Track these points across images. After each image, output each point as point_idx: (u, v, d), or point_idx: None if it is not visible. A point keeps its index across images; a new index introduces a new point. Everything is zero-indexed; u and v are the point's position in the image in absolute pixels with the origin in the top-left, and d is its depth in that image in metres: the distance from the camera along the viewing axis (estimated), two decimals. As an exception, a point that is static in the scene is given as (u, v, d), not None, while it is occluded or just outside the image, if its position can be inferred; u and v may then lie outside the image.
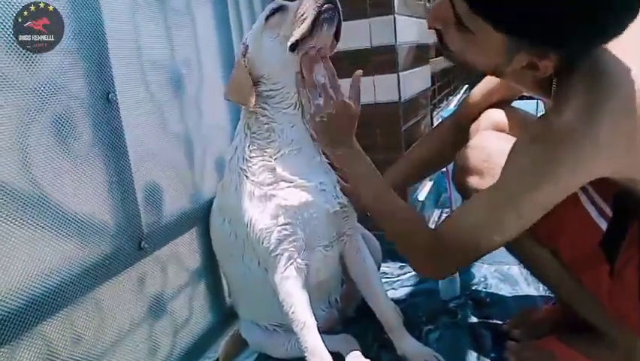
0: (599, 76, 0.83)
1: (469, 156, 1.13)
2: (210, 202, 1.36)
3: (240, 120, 1.22)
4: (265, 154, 1.15)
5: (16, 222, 0.83)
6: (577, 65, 0.85)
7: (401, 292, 1.64)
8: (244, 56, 1.14)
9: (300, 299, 1.13)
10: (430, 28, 0.94)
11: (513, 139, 1.00)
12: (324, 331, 1.36)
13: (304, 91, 1.12)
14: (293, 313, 1.13)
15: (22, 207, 0.84)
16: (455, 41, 0.90)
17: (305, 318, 1.12)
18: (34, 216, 0.86)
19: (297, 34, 1.06)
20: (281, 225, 1.12)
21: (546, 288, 1.29)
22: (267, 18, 1.11)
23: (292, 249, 1.13)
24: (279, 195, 1.12)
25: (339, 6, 1.07)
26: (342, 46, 1.87)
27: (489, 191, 0.95)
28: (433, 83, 2.76)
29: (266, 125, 1.15)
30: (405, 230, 1.09)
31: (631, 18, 0.75)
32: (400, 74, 1.89)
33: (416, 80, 2.22)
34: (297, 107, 1.15)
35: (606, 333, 1.07)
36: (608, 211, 0.99)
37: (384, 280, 1.71)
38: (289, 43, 1.07)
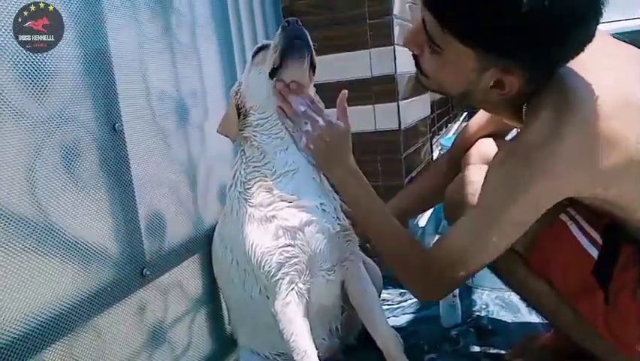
0: (564, 92, 0.87)
1: (458, 191, 1.16)
2: (212, 229, 1.37)
3: (237, 152, 1.26)
4: (261, 174, 1.17)
5: (20, 250, 0.84)
6: (541, 84, 0.89)
7: (402, 320, 1.63)
8: (237, 93, 1.21)
9: (302, 327, 1.12)
10: (405, 47, 1.00)
11: None
12: (326, 360, 1.35)
13: (287, 122, 1.17)
14: (294, 341, 1.11)
15: (27, 234, 0.85)
16: (429, 64, 0.95)
17: (306, 347, 1.11)
18: (37, 244, 0.87)
19: (269, 64, 1.14)
20: (281, 246, 1.11)
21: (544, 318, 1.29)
22: (253, 56, 1.20)
23: (293, 273, 1.12)
24: (278, 216, 1.13)
25: (309, 39, 1.14)
26: (343, 76, 1.93)
27: (470, 212, 0.99)
28: (432, 111, 2.80)
29: (259, 149, 1.19)
30: (401, 252, 1.10)
31: (589, 37, 0.81)
32: (399, 102, 1.92)
33: (416, 108, 2.25)
34: (285, 132, 1.19)
35: (603, 360, 1.06)
36: (598, 239, 1.00)
37: (384, 306, 1.70)
38: (267, 72, 1.15)
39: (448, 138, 3.22)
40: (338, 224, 1.19)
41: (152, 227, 1.17)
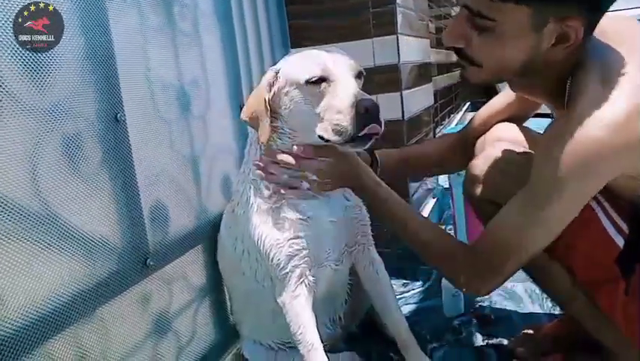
0: (609, 65, 0.87)
1: (484, 167, 1.13)
2: (216, 220, 1.37)
3: (250, 134, 1.21)
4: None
5: (24, 241, 0.84)
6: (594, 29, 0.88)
7: (405, 310, 1.64)
8: (271, 87, 1.08)
9: (310, 320, 1.12)
10: (449, 47, 0.98)
11: (529, 152, 1.05)
12: (328, 348, 1.36)
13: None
14: (301, 334, 1.12)
15: (30, 225, 0.85)
16: (482, 47, 0.91)
17: (313, 340, 1.11)
18: (41, 235, 0.87)
19: (327, 136, 1.02)
20: (291, 238, 1.11)
21: (553, 304, 1.28)
22: (308, 82, 1.03)
23: (303, 265, 1.12)
24: (285, 208, 1.12)
25: (379, 131, 1.01)
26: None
27: (524, 192, 0.94)
28: (435, 101, 2.79)
29: (275, 147, 1.13)
30: (445, 252, 1.08)
31: None
32: (403, 92, 1.91)
33: (419, 98, 2.24)
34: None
35: (615, 352, 1.05)
36: (625, 228, 0.98)
37: (388, 297, 1.71)
38: (317, 133, 1.04)
39: (451, 128, 3.21)
40: (346, 207, 1.18)
41: (156, 218, 1.17)
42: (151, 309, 1.15)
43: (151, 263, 1.13)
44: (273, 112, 1.09)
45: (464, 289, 1.13)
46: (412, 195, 2.04)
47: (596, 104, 0.84)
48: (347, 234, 1.20)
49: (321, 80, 1.02)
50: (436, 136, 2.98)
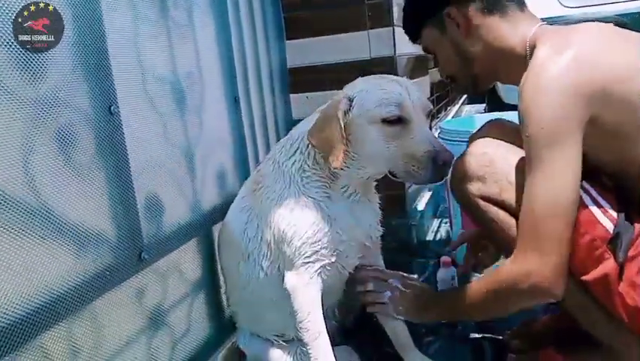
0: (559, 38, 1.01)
1: (469, 163, 1.14)
2: (210, 213, 1.36)
3: (302, 125, 1.20)
4: (323, 175, 1.15)
5: (17, 233, 0.83)
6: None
7: (400, 303, 1.64)
8: (346, 113, 1.07)
9: (319, 309, 1.14)
10: (443, 78, 1.26)
11: (512, 147, 1.06)
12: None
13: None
14: (309, 321, 1.12)
15: (24, 217, 0.84)
16: (442, 64, 1.22)
17: (321, 328, 1.12)
18: (35, 227, 0.86)
19: (399, 176, 1.09)
20: (324, 232, 1.12)
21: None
22: (385, 120, 1.05)
23: (326, 260, 1.14)
24: (326, 209, 1.13)
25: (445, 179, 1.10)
26: (341, 57, 1.91)
27: (527, 166, 0.98)
28: (431, 94, 2.78)
29: (334, 173, 1.14)
30: (498, 293, 1.06)
31: None
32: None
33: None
34: (368, 178, 1.17)
35: (609, 345, 1.05)
36: (613, 213, 0.99)
37: (383, 290, 1.71)
38: (389, 169, 1.10)
39: (447, 121, 3.21)
40: (375, 231, 1.24)
41: (150, 211, 1.16)
42: (146, 302, 1.15)
43: (145, 257, 1.13)
44: (344, 137, 1.07)
45: (540, 297, 1.02)
46: (408, 188, 2.04)
47: (548, 55, 0.97)
48: (366, 254, 1.26)
49: (398, 120, 1.04)
50: (432, 131, 2.98)
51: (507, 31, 1.09)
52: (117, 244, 1.06)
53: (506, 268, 1.03)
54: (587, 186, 1.00)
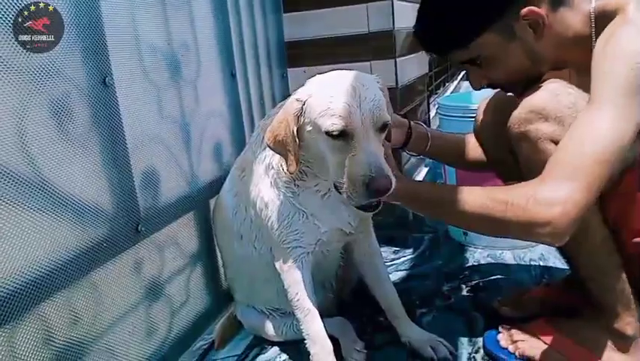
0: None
1: (546, 101, 1.01)
2: (207, 187, 1.37)
3: (267, 117, 1.18)
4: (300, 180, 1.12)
5: (14, 205, 0.84)
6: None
7: (395, 277, 1.66)
8: (298, 117, 1.01)
9: (306, 288, 1.16)
10: (479, 89, 1.14)
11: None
12: (320, 314, 1.39)
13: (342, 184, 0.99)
14: (298, 300, 1.15)
15: (20, 190, 0.85)
16: (496, 76, 1.09)
17: (309, 306, 1.15)
18: (31, 199, 0.87)
19: (342, 194, 0.99)
20: (300, 225, 1.13)
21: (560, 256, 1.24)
22: (329, 133, 0.96)
23: (305, 247, 1.15)
24: (298, 205, 1.12)
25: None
26: (339, 31, 1.88)
27: (587, 106, 0.92)
28: (430, 69, 2.76)
29: (301, 172, 1.10)
30: (498, 209, 0.94)
31: None
32: (397, 59, 1.89)
33: (414, 66, 2.22)
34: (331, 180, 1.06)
35: (617, 311, 1.05)
36: None
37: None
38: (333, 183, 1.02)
39: (446, 96, 3.19)
40: (350, 225, 1.17)
41: (147, 183, 1.16)
42: (144, 274, 1.16)
43: (142, 229, 1.14)
44: (300, 142, 1.03)
45: (547, 234, 0.91)
46: (405, 163, 2.04)
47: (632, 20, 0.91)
48: (350, 236, 1.22)
49: (343, 133, 0.95)
50: (430, 107, 2.97)
51: (573, 18, 1.00)
52: (114, 216, 1.06)
53: (526, 190, 0.92)
54: None
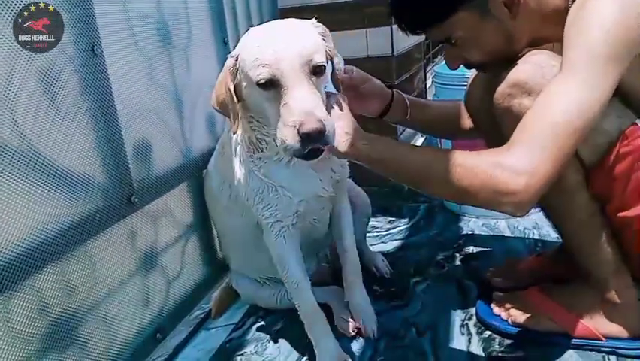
0: None
1: (528, 73, 0.99)
2: (201, 157, 1.36)
3: None
4: (252, 144, 1.09)
5: (5, 176, 0.83)
6: None
7: (390, 246, 1.68)
8: (233, 75, 0.99)
9: (294, 260, 1.16)
10: (455, 69, 1.11)
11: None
12: (315, 283, 1.40)
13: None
14: (286, 273, 1.16)
15: (10, 161, 0.84)
16: (472, 55, 1.06)
17: (298, 277, 1.16)
18: (22, 170, 0.86)
19: (280, 148, 0.94)
20: (273, 199, 1.11)
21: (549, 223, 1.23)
22: (259, 84, 0.92)
23: (285, 219, 1.14)
24: (265, 178, 1.10)
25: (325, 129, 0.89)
26: (333, -2, 1.84)
27: (559, 74, 0.89)
28: (427, 37, 2.71)
29: (258, 140, 1.08)
30: (465, 176, 0.90)
31: None
32: (393, 26, 1.85)
33: (410, 34, 2.18)
34: None
35: (604, 277, 1.06)
36: None
37: (374, 234, 1.74)
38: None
39: (443, 65, 3.15)
40: (324, 190, 1.14)
41: (139, 154, 1.15)
42: (139, 244, 1.17)
43: (136, 200, 1.13)
44: (240, 99, 1.01)
45: (506, 205, 0.89)
46: (400, 134, 2.03)
47: None
48: (329, 202, 1.20)
49: (273, 82, 0.91)
50: (427, 76, 2.93)
51: None
52: (107, 187, 1.06)
53: (493, 157, 0.90)
54: None
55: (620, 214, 1.00)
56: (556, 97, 0.88)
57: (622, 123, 0.95)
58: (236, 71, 0.98)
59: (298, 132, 0.87)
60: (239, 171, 1.14)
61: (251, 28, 1.01)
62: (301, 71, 0.91)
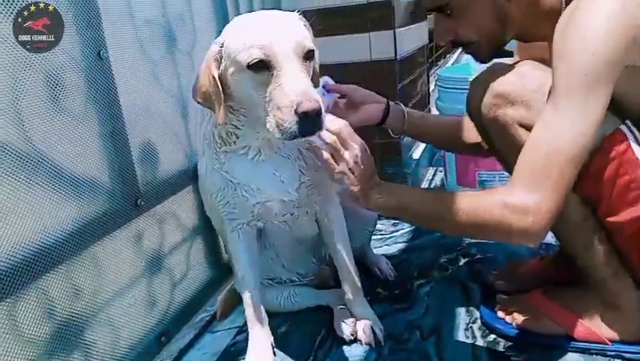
0: None
1: (513, 84, 1.01)
2: (205, 160, 1.36)
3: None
4: (222, 137, 1.09)
5: (13, 180, 0.84)
6: None
7: (394, 249, 1.68)
8: (218, 63, 0.97)
9: (243, 256, 1.20)
10: (443, 44, 1.08)
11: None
12: (317, 286, 1.40)
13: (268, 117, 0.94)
14: (236, 267, 1.22)
15: (18, 165, 0.85)
16: (462, 28, 1.07)
17: (243, 273, 1.20)
18: (30, 174, 0.87)
19: (271, 131, 0.92)
20: (230, 196, 1.13)
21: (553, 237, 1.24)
22: (249, 65, 0.92)
23: (242, 220, 1.17)
24: (226, 174, 1.11)
25: (322, 111, 0.89)
26: (337, 2, 1.85)
27: (549, 102, 0.91)
28: (430, 40, 2.72)
29: (233, 134, 1.07)
30: (478, 214, 0.95)
31: None
32: (396, 30, 1.86)
33: (413, 37, 2.19)
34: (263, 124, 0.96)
35: (603, 282, 1.07)
36: None
37: (378, 236, 1.75)
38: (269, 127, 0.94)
39: (446, 68, 3.15)
40: (289, 193, 1.12)
41: (145, 157, 1.16)
42: (144, 247, 1.17)
43: (142, 203, 1.14)
44: (226, 90, 0.99)
45: (524, 239, 0.95)
46: (402, 138, 2.03)
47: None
48: (299, 203, 1.17)
49: (264, 64, 0.90)
50: (430, 80, 2.94)
51: None
52: (112, 190, 1.06)
53: (498, 199, 0.93)
54: (630, 125, 0.97)
55: (610, 219, 1.00)
56: (549, 129, 0.90)
57: (606, 129, 0.95)
58: (221, 58, 0.97)
59: (295, 112, 0.86)
60: (201, 167, 1.16)
61: (235, 17, 1.01)
62: (294, 53, 0.91)
